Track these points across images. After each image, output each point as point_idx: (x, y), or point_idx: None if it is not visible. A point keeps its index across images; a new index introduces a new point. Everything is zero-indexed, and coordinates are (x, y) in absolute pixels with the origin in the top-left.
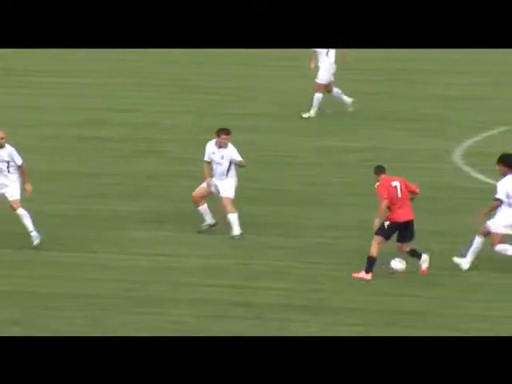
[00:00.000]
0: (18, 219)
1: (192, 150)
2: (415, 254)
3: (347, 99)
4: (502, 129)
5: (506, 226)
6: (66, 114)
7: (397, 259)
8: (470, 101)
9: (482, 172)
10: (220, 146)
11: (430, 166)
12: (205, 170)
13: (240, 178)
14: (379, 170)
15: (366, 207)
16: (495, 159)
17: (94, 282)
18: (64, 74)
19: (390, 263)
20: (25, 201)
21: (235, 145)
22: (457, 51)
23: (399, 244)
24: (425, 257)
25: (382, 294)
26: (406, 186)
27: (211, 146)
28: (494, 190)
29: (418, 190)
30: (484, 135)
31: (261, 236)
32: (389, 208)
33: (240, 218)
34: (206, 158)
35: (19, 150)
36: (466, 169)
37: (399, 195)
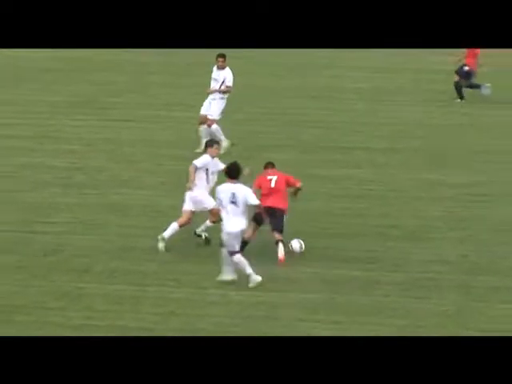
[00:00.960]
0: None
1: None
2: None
3: (224, 141)
4: None
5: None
6: None
7: (295, 240)
8: None
9: None
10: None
11: None
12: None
13: (348, 212)
14: (266, 165)
15: (466, 241)
16: None
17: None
18: None
19: (290, 242)
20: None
21: (336, 179)
22: None
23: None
24: (281, 247)
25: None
26: (287, 181)
27: None
28: None
29: (298, 184)
30: None
31: (368, 271)
32: (262, 196)
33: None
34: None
35: None
36: None
37: (272, 186)
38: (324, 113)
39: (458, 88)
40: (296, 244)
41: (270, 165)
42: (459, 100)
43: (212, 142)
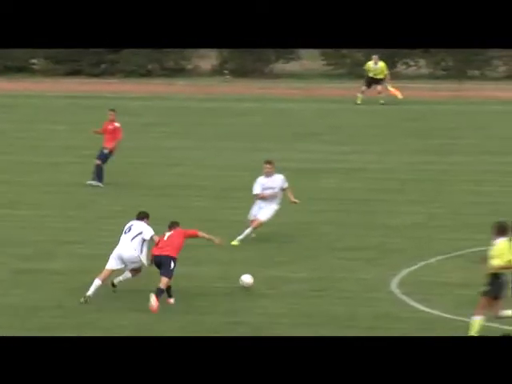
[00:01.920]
0: None
1: None
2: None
3: None
4: (439, 257)
5: None
6: None
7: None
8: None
9: (418, 301)
10: None
11: (369, 296)
12: None
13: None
14: (171, 225)
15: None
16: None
17: None
18: None
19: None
20: None
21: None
22: None
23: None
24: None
25: None
26: (184, 234)
27: None
28: (430, 318)
29: (198, 234)
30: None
31: None
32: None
33: None
34: None
35: None
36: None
37: (165, 239)
38: (169, 210)
39: (98, 171)
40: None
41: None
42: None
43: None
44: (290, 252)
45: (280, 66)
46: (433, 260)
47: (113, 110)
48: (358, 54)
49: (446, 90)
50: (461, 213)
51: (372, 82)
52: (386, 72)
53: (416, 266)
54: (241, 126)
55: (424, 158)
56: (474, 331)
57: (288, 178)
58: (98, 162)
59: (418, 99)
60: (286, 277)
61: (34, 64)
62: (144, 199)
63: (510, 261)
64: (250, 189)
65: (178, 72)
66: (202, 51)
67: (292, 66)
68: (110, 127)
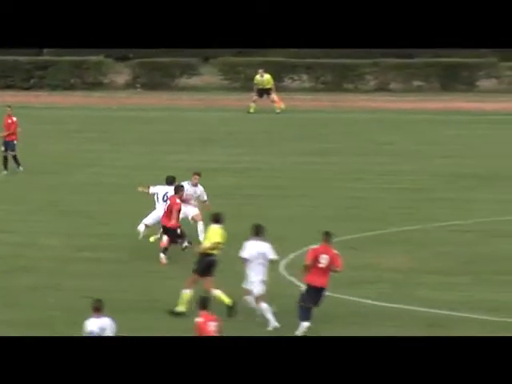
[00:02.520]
0: None
1: None
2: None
3: None
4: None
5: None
6: None
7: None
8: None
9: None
10: None
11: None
12: None
13: None
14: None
15: None
16: None
17: None
18: None
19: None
20: None
21: None
22: None
23: None
24: None
25: None
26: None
27: None
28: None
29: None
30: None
31: None
32: None
33: None
34: None
35: None
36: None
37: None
38: (88, 204)
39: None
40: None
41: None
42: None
43: None
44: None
45: (184, 81)
46: (315, 246)
47: (9, 106)
48: (250, 69)
49: (325, 100)
50: (338, 206)
51: (263, 92)
52: (272, 82)
53: (301, 251)
54: (150, 133)
55: (307, 159)
56: (182, 302)
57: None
58: (12, 152)
59: (302, 109)
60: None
61: None
62: (66, 194)
63: (217, 243)
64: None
65: (96, 86)
66: (117, 67)
67: (194, 81)
68: (9, 121)
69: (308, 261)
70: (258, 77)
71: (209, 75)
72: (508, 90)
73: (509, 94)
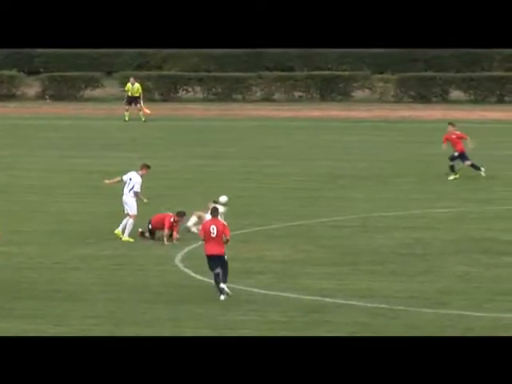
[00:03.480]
0: None
1: None
2: None
3: None
4: None
5: None
6: None
7: None
8: None
9: (197, 272)
10: None
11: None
12: None
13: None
14: None
15: (114, 300)
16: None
17: None
18: None
19: None
20: None
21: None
22: None
23: None
24: None
25: None
26: None
27: None
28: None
29: None
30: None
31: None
32: None
33: None
34: None
35: None
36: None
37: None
38: (5, 204)
39: None
40: None
41: None
42: None
43: None
44: (96, 235)
45: (88, 92)
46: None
47: None
48: (148, 82)
49: (216, 110)
50: (230, 204)
51: (131, 100)
52: (141, 91)
53: (196, 245)
54: (59, 139)
55: (201, 162)
56: None
57: (98, 180)
58: None
59: (194, 117)
60: (94, 254)
61: None
62: None
63: None
64: (68, 187)
65: (10, 97)
66: (28, 80)
67: (97, 92)
68: None
69: (201, 234)
70: (129, 85)
71: (110, 87)
72: (379, 99)
73: (380, 103)
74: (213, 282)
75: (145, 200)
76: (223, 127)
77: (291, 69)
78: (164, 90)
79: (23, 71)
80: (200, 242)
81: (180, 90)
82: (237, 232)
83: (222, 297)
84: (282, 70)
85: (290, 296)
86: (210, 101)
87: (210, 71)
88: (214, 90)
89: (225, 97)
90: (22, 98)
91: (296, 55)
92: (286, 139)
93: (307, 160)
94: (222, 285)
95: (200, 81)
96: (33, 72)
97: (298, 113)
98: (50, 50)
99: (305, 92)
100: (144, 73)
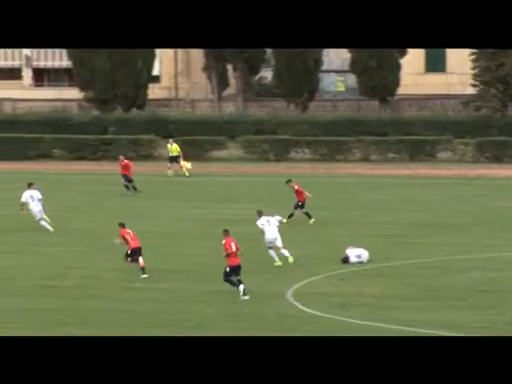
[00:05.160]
0: None
1: None
2: None
3: None
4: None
5: None
6: None
7: None
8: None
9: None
10: None
11: None
12: None
13: None
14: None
15: None
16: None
17: None
18: None
19: None
20: None
21: None
22: None
23: None
24: None
25: None
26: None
27: None
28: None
29: None
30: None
31: None
32: None
33: None
34: None
35: None
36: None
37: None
38: None
39: None
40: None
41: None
42: None
43: None
44: (216, 274)
45: (215, 153)
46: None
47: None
48: (264, 144)
49: (321, 168)
50: (331, 248)
51: (172, 159)
52: (179, 150)
53: (303, 283)
54: (187, 192)
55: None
56: None
57: (218, 227)
58: None
59: (304, 175)
60: (215, 290)
61: None
62: None
63: None
64: (193, 233)
65: (147, 157)
66: (164, 143)
67: (223, 153)
68: None
69: (226, 250)
70: (168, 145)
71: (233, 149)
72: (460, 160)
73: (460, 163)
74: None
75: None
76: (327, 183)
77: (385, 134)
78: (278, 152)
79: (159, 135)
80: (306, 281)
81: (291, 152)
82: (336, 272)
83: (246, 297)
84: (378, 135)
85: (383, 326)
86: (317, 161)
87: (316, 135)
88: (320, 151)
89: (329, 157)
90: (158, 158)
91: (389, 122)
92: (380, 193)
93: (398, 211)
94: (241, 286)
95: (308, 144)
96: (167, 136)
97: (390, 171)
98: (183, 117)
99: (397, 153)
100: (261, 137)
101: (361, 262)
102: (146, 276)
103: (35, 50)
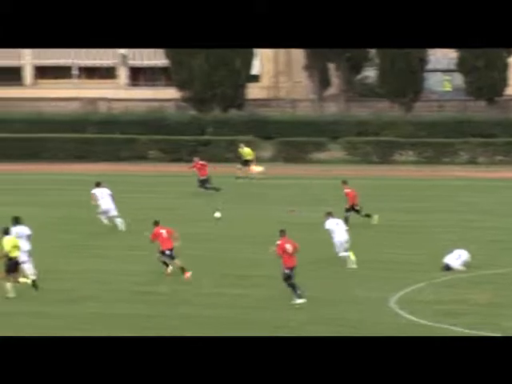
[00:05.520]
0: None
1: None
2: None
3: None
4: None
5: None
6: None
7: None
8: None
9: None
10: None
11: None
12: None
13: None
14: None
15: None
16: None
17: None
18: None
19: None
20: None
21: None
22: None
23: None
24: None
25: None
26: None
27: None
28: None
29: None
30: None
31: None
32: None
33: None
34: None
35: None
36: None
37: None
38: None
39: None
40: None
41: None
42: None
43: None
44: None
45: (316, 155)
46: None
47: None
48: (367, 146)
49: (427, 171)
50: (437, 254)
51: (245, 162)
52: (252, 155)
53: (408, 290)
54: (282, 196)
55: (413, 217)
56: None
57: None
58: None
59: (407, 177)
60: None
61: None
62: None
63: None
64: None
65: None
66: (263, 144)
67: (324, 155)
68: None
69: (279, 252)
70: (239, 149)
71: (335, 151)
72: None
73: None
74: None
75: None
76: (432, 185)
77: (493, 135)
78: (381, 154)
79: (259, 136)
80: (410, 288)
81: (395, 154)
82: (441, 279)
83: (302, 300)
84: (485, 137)
85: (491, 335)
86: (422, 163)
87: (421, 137)
88: (425, 153)
89: (434, 160)
90: (257, 159)
91: (497, 123)
92: (487, 197)
93: (505, 215)
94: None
95: (413, 146)
96: (267, 137)
97: (498, 174)
98: (283, 117)
99: (505, 156)
100: (364, 138)
101: (464, 263)
102: (189, 275)
103: (131, 49)
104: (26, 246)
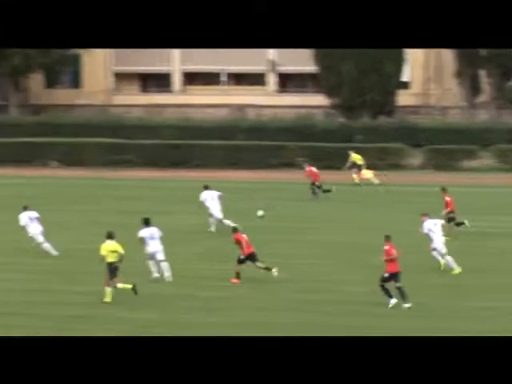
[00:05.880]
0: None
1: None
2: None
3: None
4: None
5: None
6: None
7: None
8: None
9: None
10: None
11: None
12: None
13: None
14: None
15: None
16: None
17: None
18: None
19: None
20: None
21: None
22: None
23: None
24: None
25: None
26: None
27: None
28: None
29: None
30: None
31: None
32: None
33: None
34: None
35: None
36: None
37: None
38: None
39: None
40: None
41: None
42: None
43: None
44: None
45: (466, 163)
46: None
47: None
48: None
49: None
50: None
51: (358, 167)
52: (361, 159)
53: None
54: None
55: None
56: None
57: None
58: None
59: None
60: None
61: None
62: None
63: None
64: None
65: (395, 167)
66: (413, 152)
67: (475, 163)
68: None
69: (386, 256)
70: (351, 156)
71: (486, 158)
72: None
73: None
74: (391, 303)
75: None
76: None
77: None
78: None
79: (408, 144)
80: None
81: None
82: None
83: (408, 305)
84: None
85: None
86: (500, 170)
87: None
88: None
89: None
90: (406, 167)
91: None
92: None
93: None
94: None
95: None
96: (417, 145)
97: None
98: (433, 125)
99: None
100: None
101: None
102: (276, 273)
103: (280, 55)
104: (156, 246)
